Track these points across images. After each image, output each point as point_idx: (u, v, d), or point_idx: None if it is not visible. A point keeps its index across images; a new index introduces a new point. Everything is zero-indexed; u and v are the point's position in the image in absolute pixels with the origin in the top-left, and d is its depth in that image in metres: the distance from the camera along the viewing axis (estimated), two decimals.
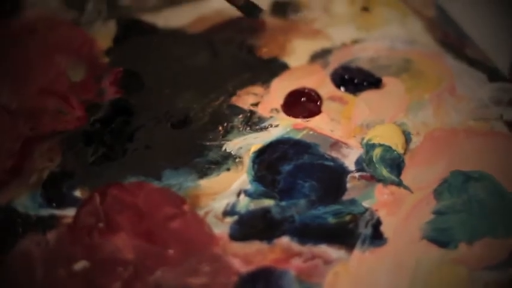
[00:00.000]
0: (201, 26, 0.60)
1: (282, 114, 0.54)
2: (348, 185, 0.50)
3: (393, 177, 0.50)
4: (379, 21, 0.59)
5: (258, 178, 0.50)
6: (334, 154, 0.52)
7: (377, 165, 0.51)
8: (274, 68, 0.56)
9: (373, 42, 0.58)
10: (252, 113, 0.53)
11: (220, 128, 0.53)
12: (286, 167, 0.51)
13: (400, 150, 0.52)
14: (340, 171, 0.51)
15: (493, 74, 0.57)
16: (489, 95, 0.56)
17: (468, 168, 0.51)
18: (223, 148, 0.52)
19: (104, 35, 0.59)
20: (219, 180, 0.50)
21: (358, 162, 0.51)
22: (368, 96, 0.56)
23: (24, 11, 0.58)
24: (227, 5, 0.55)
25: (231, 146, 0.52)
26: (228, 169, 0.51)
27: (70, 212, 0.48)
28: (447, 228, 0.48)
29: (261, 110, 0.54)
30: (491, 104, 0.55)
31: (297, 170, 0.51)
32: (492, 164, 0.51)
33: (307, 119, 0.53)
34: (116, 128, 0.51)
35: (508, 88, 0.56)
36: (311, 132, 0.53)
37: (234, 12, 0.57)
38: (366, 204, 0.49)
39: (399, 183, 0.50)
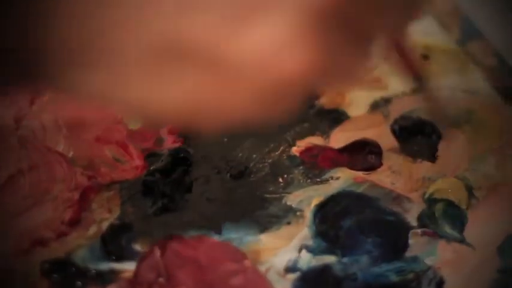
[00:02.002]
0: None
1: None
2: (410, 241, 0.49)
3: (456, 234, 0.49)
4: (438, 69, 0.58)
5: (319, 233, 0.49)
6: (395, 208, 0.51)
7: (439, 221, 0.50)
8: (334, 117, 0.55)
9: (434, 92, 0.56)
10: (313, 164, 0.52)
11: (280, 179, 0.52)
12: (348, 222, 0.50)
13: (463, 206, 0.51)
14: (402, 227, 0.50)
15: None
16: None
17: None
18: (284, 201, 0.51)
19: None
20: (279, 234, 0.49)
21: (421, 218, 0.50)
22: None
23: None
24: None
25: (292, 198, 0.51)
26: (289, 223, 0.50)
27: (130, 266, 0.47)
28: None
29: None
30: None
31: (359, 225, 0.50)
32: None
33: (368, 172, 0.52)
34: (175, 179, 0.50)
35: None
36: (372, 186, 0.52)
37: None
38: (428, 261, 0.48)
39: (462, 240, 0.49)
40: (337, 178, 0.52)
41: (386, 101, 0.57)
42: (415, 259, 0.48)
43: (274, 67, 0.31)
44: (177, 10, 0.29)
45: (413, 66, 0.45)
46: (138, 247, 0.48)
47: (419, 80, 0.47)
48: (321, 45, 0.31)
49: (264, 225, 0.49)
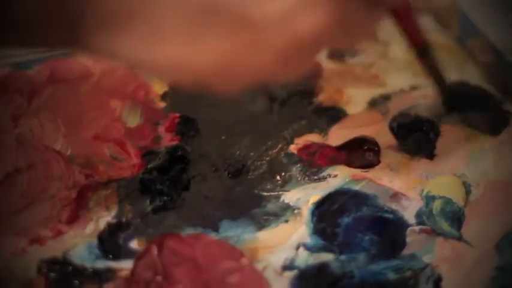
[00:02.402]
0: None
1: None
2: (408, 239, 0.49)
3: (453, 231, 0.49)
4: None
5: (317, 231, 0.49)
6: (393, 206, 0.51)
7: (437, 218, 0.50)
8: (332, 114, 0.55)
9: (432, 89, 0.56)
10: (311, 162, 0.52)
11: (278, 177, 0.52)
12: (346, 220, 0.50)
13: (461, 203, 0.51)
14: (400, 224, 0.50)
15: None
16: None
17: None
18: (282, 199, 0.51)
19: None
20: (277, 232, 0.49)
21: (418, 215, 0.50)
22: None
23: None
24: None
25: (289, 196, 0.51)
26: (287, 221, 0.50)
27: (127, 264, 0.47)
28: (511, 285, 0.47)
29: None
30: None
31: (357, 222, 0.50)
32: None
33: (366, 170, 0.52)
34: (173, 176, 0.50)
35: None
36: (370, 183, 0.51)
37: None
38: (426, 259, 0.48)
39: (460, 238, 0.49)
40: (335, 176, 0.52)
41: (385, 98, 0.57)
42: (412, 257, 0.48)
43: (294, 26, 0.32)
44: None
45: (417, 33, 0.47)
46: (135, 245, 0.48)
47: (423, 49, 0.48)
48: (337, 5, 0.33)
49: (261, 223, 0.49)
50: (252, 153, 0.53)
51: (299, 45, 0.33)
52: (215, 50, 0.33)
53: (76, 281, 0.46)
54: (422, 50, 0.49)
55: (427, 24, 0.61)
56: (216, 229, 0.49)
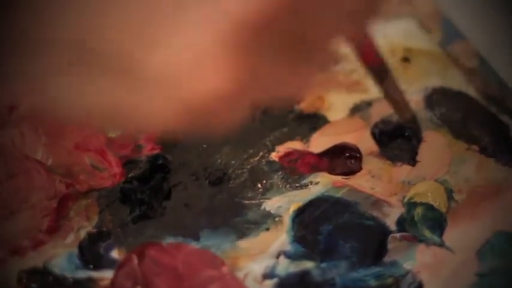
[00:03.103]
0: None
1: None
2: (389, 246, 0.49)
3: (435, 238, 0.49)
4: (419, 72, 0.58)
5: (298, 238, 0.49)
6: (375, 213, 0.51)
7: (419, 225, 0.50)
8: (313, 121, 0.55)
9: (414, 95, 0.56)
10: (292, 169, 0.52)
11: (259, 185, 0.52)
12: (327, 227, 0.50)
13: (442, 209, 0.51)
14: (381, 231, 0.50)
15: None
16: None
17: None
18: (263, 207, 0.51)
19: None
20: (258, 240, 0.49)
21: (400, 222, 0.50)
22: None
23: None
24: None
25: (271, 204, 0.51)
26: (268, 229, 0.50)
27: (107, 274, 0.47)
28: None
29: None
30: None
31: (338, 230, 0.50)
32: None
33: (347, 177, 0.52)
34: (153, 186, 0.50)
35: None
36: (351, 190, 0.52)
37: None
38: (407, 266, 0.48)
39: (441, 244, 0.49)
40: (317, 183, 0.52)
41: (367, 104, 0.57)
42: (394, 264, 0.48)
43: (195, 81, 0.30)
44: (96, 20, 0.29)
45: (376, 60, 0.45)
46: (115, 255, 0.48)
47: (382, 73, 0.46)
48: (250, 61, 0.30)
49: (242, 232, 0.49)
50: (233, 162, 0.53)
51: (201, 104, 0.31)
52: (106, 92, 0.31)
53: None
54: (379, 71, 0.47)
55: (410, 29, 0.61)
56: (196, 238, 0.49)
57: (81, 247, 0.48)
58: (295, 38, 0.31)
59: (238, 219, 0.50)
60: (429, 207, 0.51)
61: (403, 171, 0.53)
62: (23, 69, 0.31)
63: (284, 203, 0.51)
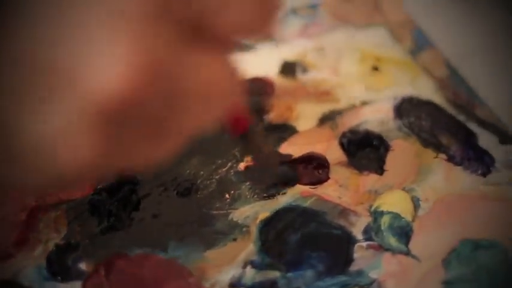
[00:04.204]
0: None
1: None
2: (355, 255, 0.50)
3: (401, 246, 0.50)
4: (389, 81, 0.59)
5: (264, 248, 0.50)
6: (342, 222, 0.51)
7: (385, 234, 0.50)
8: (282, 132, 0.56)
9: (383, 104, 0.57)
10: (260, 179, 0.53)
11: (227, 195, 0.52)
12: (293, 237, 0.50)
13: (409, 218, 0.51)
14: (348, 241, 0.50)
15: (504, 137, 0.57)
16: (500, 159, 0.55)
17: (479, 235, 0.51)
18: (230, 217, 0.51)
19: None
20: (225, 251, 0.50)
21: (366, 231, 0.51)
22: None
23: None
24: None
25: (238, 214, 0.51)
26: (235, 239, 0.50)
27: (75, 286, 0.48)
28: None
29: None
30: (502, 168, 0.54)
31: (304, 239, 0.50)
32: (504, 231, 0.51)
33: (315, 186, 0.53)
34: (122, 197, 0.51)
35: None
36: (319, 200, 0.52)
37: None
38: (373, 274, 0.49)
39: (407, 253, 0.49)
40: (284, 193, 0.52)
41: (335, 114, 0.57)
42: (360, 273, 0.48)
43: (53, 158, 0.31)
44: None
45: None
46: (84, 267, 0.48)
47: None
48: (104, 141, 0.31)
49: (209, 242, 0.50)
50: (201, 172, 0.53)
51: (64, 174, 0.31)
52: None
53: None
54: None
55: (380, 38, 0.61)
56: (164, 249, 0.49)
57: (49, 259, 0.49)
58: (151, 121, 0.32)
59: (206, 230, 0.50)
60: (396, 216, 0.51)
61: (370, 180, 0.53)
62: None
63: (251, 213, 0.51)
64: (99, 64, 0.29)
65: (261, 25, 0.34)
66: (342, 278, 0.48)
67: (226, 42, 0.34)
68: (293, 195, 0.52)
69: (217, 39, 0.33)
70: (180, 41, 0.31)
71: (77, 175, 0.32)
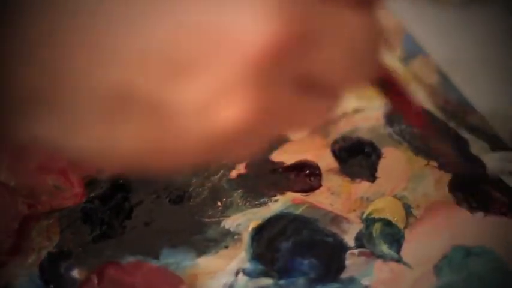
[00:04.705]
0: None
1: None
2: (347, 262, 0.50)
3: (393, 253, 0.50)
4: None
5: (256, 256, 0.50)
6: (333, 229, 0.51)
7: (377, 241, 0.51)
8: (275, 140, 0.56)
9: (375, 111, 0.57)
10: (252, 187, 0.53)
11: (219, 203, 0.52)
12: (285, 244, 0.50)
13: (400, 225, 0.51)
14: (340, 248, 0.50)
15: (494, 143, 0.57)
16: (491, 165, 0.55)
17: (470, 242, 0.51)
18: (222, 225, 0.51)
19: None
20: (217, 258, 0.50)
21: (358, 238, 0.51)
22: None
23: None
24: None
25: (230, 222, 0.52)
26: (227, 247, 0.50)
27: None
28: None
29: None
30: (493, 174, 0.55)
31: (296, 246, 0.50)
32: (494, 238, 0.51)
33: (307, 194, 0.53)
34: (114, 205, 0.51)
35: (510, 157, 0.55)
36: (311, 207, 0.52)
37: None
38: (365, 281, 0.49)
39: (399, 260, 0.50)
40: (276, 200, 0.52)
41: (328, 121, 0.57)
42: (351, 280, 0.49)
43: (215, 115, 0.31)
44: (123, 62, 0.30)
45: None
46: (76, 275, 0.48)
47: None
48: (264, 93, 0.31)
49: (201, 250, 0.50)
50: (194, 180, 0.53)
51: (223, 134, 0.32)
52: (135, 137, 0.32)
53: None
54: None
55: None
56: (156, 256, 0.50)
57: (42, 267, 0.49)
58: (302, 76, 0.32)
59: (198, 237, 0.50)
60: (387, 223, 0.51)
61: (362, 187, 0.54)
62: (60, 114, 0.31)
63: (243, 220, 0.51)
64: (248, 18, 0.30)
65: None
66: (334, 285, 0.48)
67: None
68: (285, 202, 0.53)
69: None
70: None
71: (234, 140, 0.32)
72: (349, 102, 0.59)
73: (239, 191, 0.53)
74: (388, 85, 0.39)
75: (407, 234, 0.51)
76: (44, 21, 0.30)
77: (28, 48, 0.30)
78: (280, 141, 0.56)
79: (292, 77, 0.32)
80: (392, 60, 0.62)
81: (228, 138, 0.32)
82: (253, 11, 0.30)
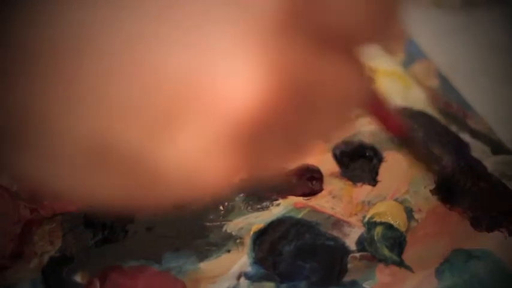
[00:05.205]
0: None
1: None
2: (349, 266, 0.50)
3: (394, 257, 0.50)
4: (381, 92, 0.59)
5: (258, 260, 0.50)
6: (335, 233, 0.51)
7: (378, 245, 0.51)
8: None
9: None
10: (254, 191, 0.53)
11: (221, 207, 0.52)
12: (287, 248, 0.50)
13: (402, 228, 0.52)
14: (341, 252, 0.51)
15: (496, 146, 0.57)
16: (492, 168, 0.55)
17: (471, 245, 0.51)
18: (224, 229, 0.51)
19: None
20: (219, 262, 0.50)
21: (360, 242, 0.51)
22: None
23: None
24: None
25: (232, 226, 0.52)
26: (229, 251, 0.50)
27: None
28: None
29: None
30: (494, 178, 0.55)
31: (298, 250, 0.50)
32: (495, 241, 0.51)
33: (309, 198, 0.53)
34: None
35: (511, 161, 0.56)
36: (312, 211, 0.52)
37: None
38: (366, 285, 0.49)
39: (400, 263, 0.50)
40: (278, 204, 0.53)
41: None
42: (353, 283, 0.49)
43: (198, 175, 0.30)
44: (105, 113, 0.29)
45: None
46: (79, 279, 0.49)
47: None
48: (248, 151, 0.30)
49: (203, 254, 0.50)
50: None
51: (204, 192, 0.31)
52: (114, 188, 0.31)
53: None
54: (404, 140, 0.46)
55: (374, 50, 0.62)
56: (158, 261, 0.50)
57: (44, 271, 0.49)
58: (293, 131, 0.32)
59: (200, 242, 0.51)
60: (389, 227, 0.51)
61: (363, 191, 0.54)
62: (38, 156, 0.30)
63: (245, 224, 0.52)
64: (234, 81, 0.29)
65: (384, 25, 0.33)
66: None
67: (353, 45, 0.33)
68: (286, 206, 0.53)
69: (344, 42, 0.32)
70: (310, 48, 0.30)
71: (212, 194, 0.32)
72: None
73: (241, 195, 0.53)
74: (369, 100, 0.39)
75: (409, 238, 0.51)
76: (13, 61, 0.29)
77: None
78: None
79: (284, 139, 0.32)
80: (392, 64, 0.62)
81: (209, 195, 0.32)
82: (245, 68, 0.29)
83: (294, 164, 0.34)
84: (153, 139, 0.29)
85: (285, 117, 0.31)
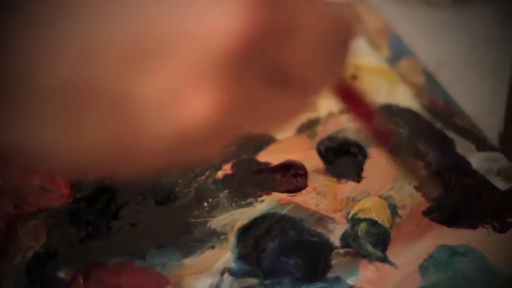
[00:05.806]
0: None
1: None
2: (333, 262, 0.50)
3: (378, 253, 0.50)
4: (367, 89, 0.59)
5: (242, 256, 0.50)
6: (319, 229, 0.52)
7: (362, 241, 0.51)
8: (261, 140, 0.56)
9: None
10: (238, 187, 0.53)
11: (205, 204, 0.52)
12: (271, 244, 0.50)
13: (386, 225, 0.52)
14: (325, 248, 0.51)
15: (481, 143, 0.57)
16: (477, 165, 0.56)
17: (455, 242, 0.51)
18: (208, 225, 0.51)
19: None
20: (203, 258, 0.50)
21: (344, 238, 0.51)
22: None
23: None
24: None
25: (216, 222, 0.52)
26: (213, 247, 0.51)
27: None
28: None
29: None
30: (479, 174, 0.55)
31: (282, 246, 0.50)
32: (479, 237, 0.51)
33: (293, 194, 0.53)
34: (101, 206, 0.51)
35: (496, 158, 0.56)
36: (297, 207, 0.52)
37: None
38: (350, 281, 0.49)
39: (384, 259, 0.50)
40: (262, 201, 0.53)
41: (314, 123, 0.58)
42: (337, 279, 0.49)
43: (177, 111, 0.30)
44: (78, 56, 0.29)
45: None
46: (62, 275, 0.49)
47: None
48: (230, 87, 0.30)
49: (187, 250, 0.50)
50: (180, 181, 0.54)
51: (188, 129, 0.30)
52: (97, 134, 0.30)
53: None
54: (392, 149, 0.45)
55: (358, 47, 0.62)
56: (142, 257, 0.50)
57: (29, 267, 0.49)
58: (275, 69, 0.32)
59: (184, 238, 0.51)
60: (373, 223, 0.52)
61: (348, 187, 0.54)
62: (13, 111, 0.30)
63: (229, 221, 0.52)
64: (214, 14, 0.29)
65: None
66: (320, 285, 0.49)
67: None
68: (271, 202, 0.53)
69: None
70: None
71: (203, 135, 0.31)
72: (336, 102, 0.59)
73: (225, 192, 0.53)
74: (345, 94, 0.39)
75: (393, 234, 0.51)
76: None
77: None
78: (266, 142, 0.56)
79: (265, 70, 0.32)
80: (378, 61, 0.62)
81: (193, 136, 0.31)
82: (224, 0, 0.29)
83: (275, 97, 0.33)
84: (134, 77, 0.29)
85: (265, 48, 0.31)
